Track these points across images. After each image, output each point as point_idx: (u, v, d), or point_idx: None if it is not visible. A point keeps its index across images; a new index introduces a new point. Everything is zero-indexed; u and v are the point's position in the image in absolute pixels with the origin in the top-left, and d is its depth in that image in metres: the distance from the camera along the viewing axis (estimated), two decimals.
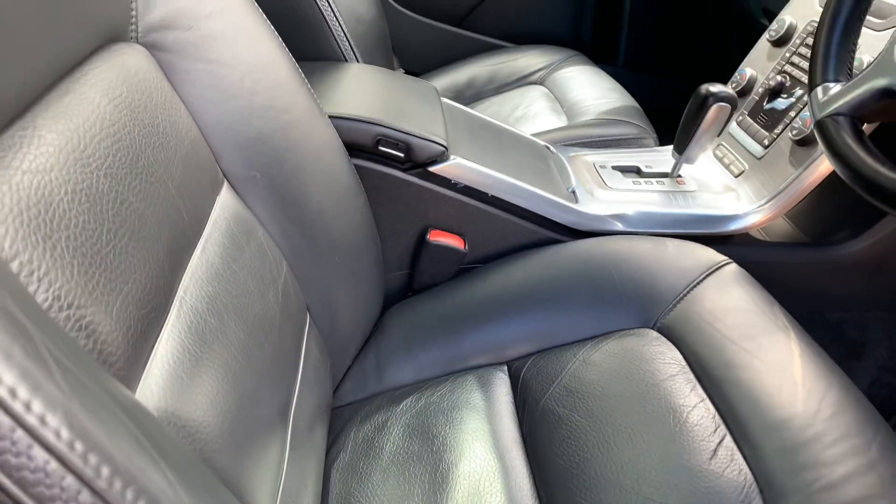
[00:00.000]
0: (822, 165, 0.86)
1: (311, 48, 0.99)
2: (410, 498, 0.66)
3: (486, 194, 0.87)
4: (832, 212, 0.97)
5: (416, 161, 0.84)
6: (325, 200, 0.74)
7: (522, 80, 1.53)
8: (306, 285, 0.73)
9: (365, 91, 0.91)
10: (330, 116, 0.78)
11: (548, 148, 1.06)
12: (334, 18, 0.98)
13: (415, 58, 1.74)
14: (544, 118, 1.34)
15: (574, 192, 0.94)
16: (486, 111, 1.43)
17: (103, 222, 0.42)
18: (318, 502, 0.63)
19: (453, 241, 0.88)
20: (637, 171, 1.01)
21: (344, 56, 1.01)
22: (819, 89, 0.62)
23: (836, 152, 0.57)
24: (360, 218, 0.80)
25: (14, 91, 0.39)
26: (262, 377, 0.56)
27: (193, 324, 0.49)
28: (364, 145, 0.82)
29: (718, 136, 0.95)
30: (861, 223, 0.92)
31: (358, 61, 1.03)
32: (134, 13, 0.56)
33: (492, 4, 1.73)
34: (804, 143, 0.88)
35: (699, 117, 0.92)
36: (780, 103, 0.95)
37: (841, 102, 0.58)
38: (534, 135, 1.12)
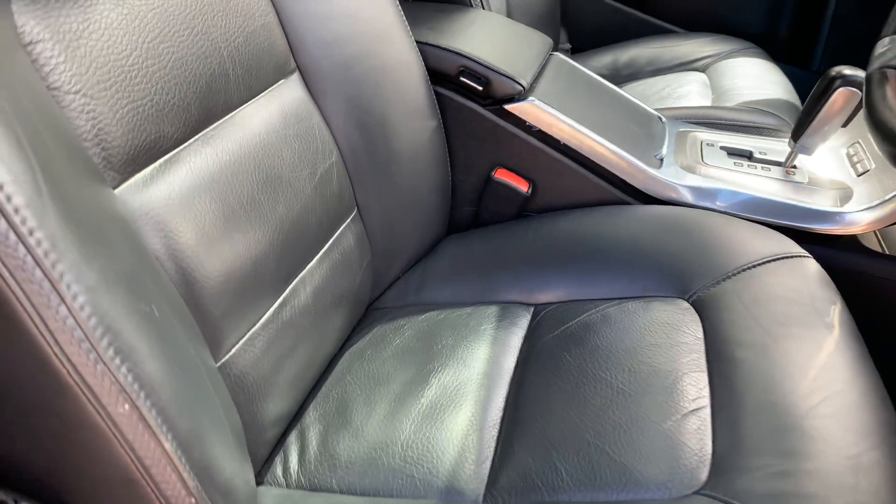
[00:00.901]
0: None
1: None
2: (391, 382, 0.71)
3: (558, 142, 0.87)
4: None
5: (494, 97, 0.87)
6: (391, 112, 0.80)
7: (684, 66, 1.46)
8: (359, 185, 0.80)
9: (471, 31, 0.95)
10: (418, 42, 0.84)
11: (659, 119, 1.02)
12: None
13: (585, 35, 1.73)
14: (687, 100, 1.27)
15: (661, 159, 0.90)
16: (633, 90, 1.39)
17: (136, 48, 0.52)
18: (304, 364, 0.70)
19: (516, 183, 0.89)
20: (749, 157, 0.93)
21: (471, 3, 1.06)
22: (886, 40, 0.54)
23: (870, 104, 0.50)
24: (426, 139, 0.85)
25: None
26: (269, 232, 0.64)
27: (207, 158, 0.58)
28: (447, 74, 0.87)
29: (844, 126, 0.84)
30: None
31: (485, 9, 1.07)
32: None
33: None
34: None
35: (821, 102, 0.82)
36: None
37: (893, 55, 0.50)
38: (661, 110, 1.08)
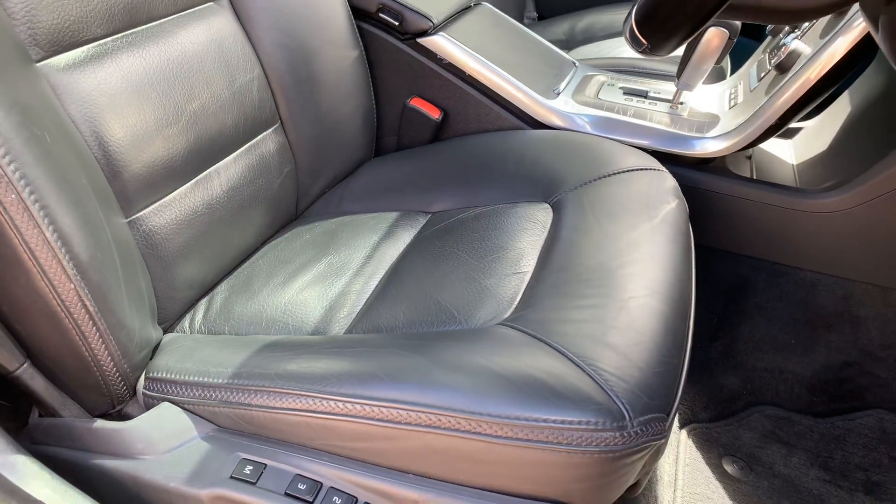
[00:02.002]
0: (789, 92, 0.82)
1: None
2: (292, 263, 0.83)
3: (463, 72, 0.98)
4: (824, 157, 0.90)
5: (409, 31, 0.98)
6: (312, 39, 0.92)
7: None
8: (283, 101, 0.92)
9: None
10: None
11: (573, 63, 1.12)
12: None
13: (549, 4, 1.83)
14: (619, 51, 1.36)
15: (559, 93, 1.01)
16: (583, 51, 1.49)
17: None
18: (219, 248, 0.83)
19: (429, 110, 1.01)
20: (644, 96, 1.03)
21: None
22: None
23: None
24: (348, 66, 0.97)
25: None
26: (183, 121, 0.76)
27: (130, 56, 0.71)
28: (367, 11, 0.99)
29: (718, 63, 0.94)
30: (852, 172, 0.86)
31: None
32: None
33: None
34: (781, 69, 0.84)
35: (696, 41, 0.92)
36: (790, 39, 0.91)
37: None
38: (586, 59, 1.18)
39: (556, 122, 0.97)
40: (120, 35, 0.72)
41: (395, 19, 0.98)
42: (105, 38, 0.70)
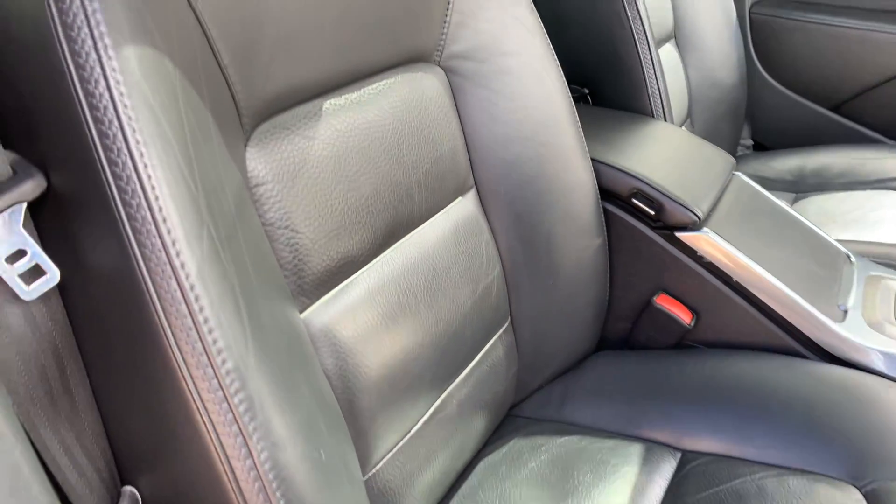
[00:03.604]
0: None
1: (622, 97, 1.05)
2: None
3: (730, 277, 0.82)
4: None
5: (666, 222, 0.84)
6: (557, 230, 0.81)
7: (883, 183, 1.33)
8: (516, 296, 0.81)
9: (648, 146, 0.94)
10: (592, 159, 0.85)
11: (848, 258, 0.93)
12: (654, 76, 1.02)
13: (770, 131, 1.64)
14: (883, 228, 1.15)
15: (846, 311, 0.82)
16: (817, 204, 1.29)
17: (339, 182, 0.57)
18: (441, 473, 0.72)
19: (679, 312, 0.86)
20: None
21: (653, 112, 1.04)
22: None
23: None
24: (589, 256, 0.85)
25: (325, 75, 0.57)
26: (428, 348, 0.67)
27: (385, 280, 0.62)
28: (618, 193, 0.86)
29: None
30: None
31: (666, 120, 1.05)
32: (442, 42, 0.72)
33: (886, 94, 1.52)
34: None
35: None
36: None
37: None
38: (849, 243, 0.99)
39: (851, 355, 0.78)
40: (379, 257, 0.63)
41: (652, 208, 0.84)
42: (364, 265, 0.61)
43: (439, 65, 0.73)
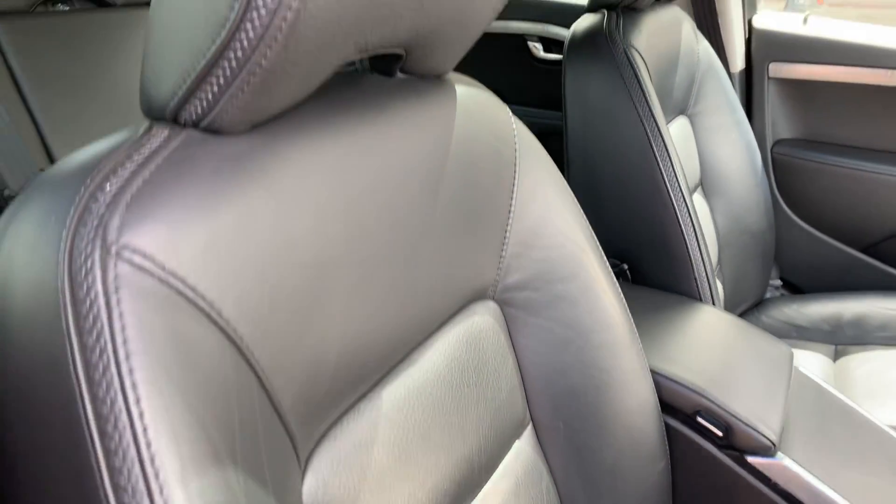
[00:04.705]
0: None
1: (668, 278, 1.00)
2: None
3: None
4: None
5: (735, 445, 0.77)
6: (621, 461, 0.73)
7: None
8: None
9: (705, 347, 0.88)
10: (653, 371, 0.78)
11: None
12: (699, 258, 0.97)
13: (799, 270, 1.59)
14: None
15: None
16: (864, 366, 1.23)
17: (401, 479, 0.50)
18: None
19: None
20: None
21: (700, 295, 0.99)
22: None
23: None
24: (653, 482, 0.77)
25: (382, 365, 0.51)
26: None
27: None
28: (681, 409, 0.79)
29: None
30: None
31: (714, 304, 1.00)
32: (498, 277, 0.66)
33: None
34: None
35: None
36: None
37: None
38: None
39: None
40: None
41: (719, 429, 0.77)
42: None
43: (493, 299, 0.67)
